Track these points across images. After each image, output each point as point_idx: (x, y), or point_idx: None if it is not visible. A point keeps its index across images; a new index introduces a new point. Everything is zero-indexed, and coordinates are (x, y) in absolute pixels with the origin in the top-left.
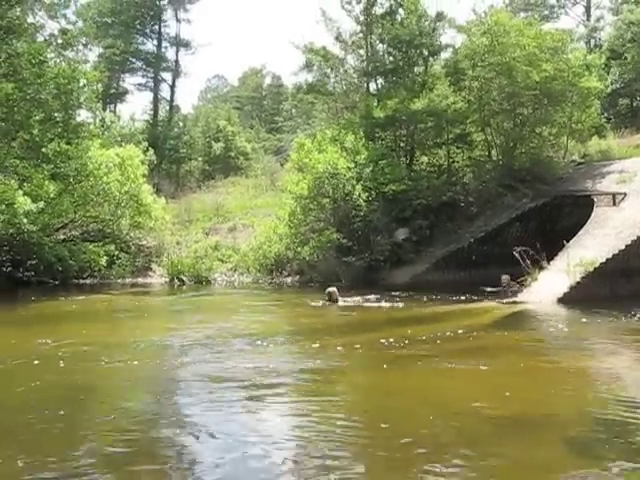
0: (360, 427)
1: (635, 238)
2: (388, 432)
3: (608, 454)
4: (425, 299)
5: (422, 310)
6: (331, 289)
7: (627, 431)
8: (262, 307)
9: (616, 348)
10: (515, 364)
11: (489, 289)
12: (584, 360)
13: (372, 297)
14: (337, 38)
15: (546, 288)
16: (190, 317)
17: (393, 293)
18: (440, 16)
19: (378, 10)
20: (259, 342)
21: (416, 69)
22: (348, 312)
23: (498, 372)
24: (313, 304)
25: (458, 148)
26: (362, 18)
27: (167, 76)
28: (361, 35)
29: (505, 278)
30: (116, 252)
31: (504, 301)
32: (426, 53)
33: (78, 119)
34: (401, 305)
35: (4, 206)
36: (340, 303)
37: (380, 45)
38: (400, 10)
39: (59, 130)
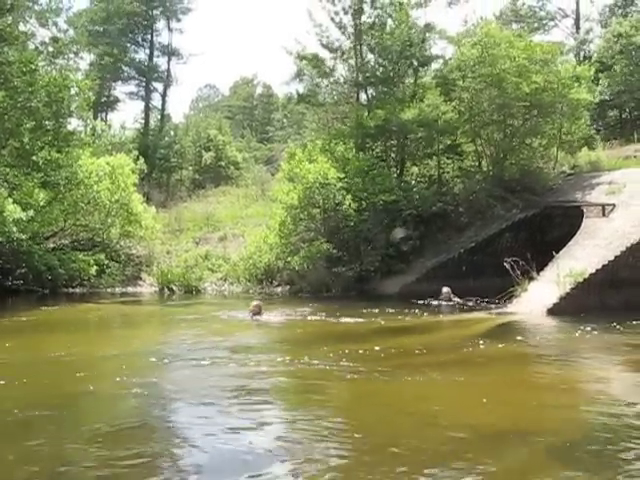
0: (342, 436)
1: (624, 249)
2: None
3: (595, 467)
4: (411, 311)
5: (398, 323)
6: (255, 302)
7: (614, 443)
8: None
9: (603, 360)
10: (500, 377)
11: (426, 301)
12: (571, 372)
13: (291, 311)
14: (327, 47)
15: (536, 299)
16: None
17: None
18: (429, 27)
19: (367, 20)
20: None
21: (406, 80)
22: (270, 327)
23: (482, 384)
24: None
25: (448, 158)
26: (351, 29)
27: (158, 85)
28: (351, 45)
29: (446, 291)
30: (106, 261)
31: (493, 312)
32: (416, 64)
33: (69, 127)
34: (361, 320)
35: None
36: (264, 317)
37: (370, 55)
38: (389, 21)
39: (50, 138)
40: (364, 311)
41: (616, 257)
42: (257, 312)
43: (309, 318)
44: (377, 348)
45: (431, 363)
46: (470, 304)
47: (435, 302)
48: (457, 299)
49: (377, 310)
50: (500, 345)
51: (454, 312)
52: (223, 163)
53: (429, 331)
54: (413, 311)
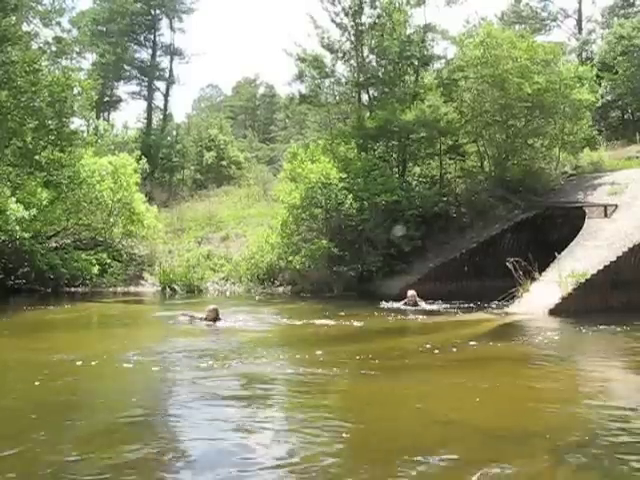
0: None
1: (626, 250)
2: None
3: (595, 468)
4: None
5: (390, 325)
6: (211, 307)
7: (613, 444)
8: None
9: (605, 361)
10: (500, 377)
11: (390, 305)
12: (572, 373)
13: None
14: (327, 48)
15: (538, 299)
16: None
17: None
18: (428, 26)
19: (366, 20)
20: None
21: (407, 79)
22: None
23: (482, 385)
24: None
25: (450, 159)
26: (351, 30)
27: (161, 85)
28: (351, 46)
29: (411, 294)
30: (108, 260)
31: (494, 312)
32: (416, 63)
33: (72, 127)
34: (333, 324)
35: None
36: (221, 323)
37: (371, 56)
38: (388, 22)
39: (52, 138)
40: (356, 313)
41: (618, 258)
42: (213, 318)
43: (284, 322)
44: (374, 348)
45: (431, 364)
46: (436, 308)
47: (400, 306)
48: (423, 303)
49: (357, 311)
50: (502, 345)
51: (420, 316)
52: (225, 163)
53: (430, 332)
54: (411, 313)
